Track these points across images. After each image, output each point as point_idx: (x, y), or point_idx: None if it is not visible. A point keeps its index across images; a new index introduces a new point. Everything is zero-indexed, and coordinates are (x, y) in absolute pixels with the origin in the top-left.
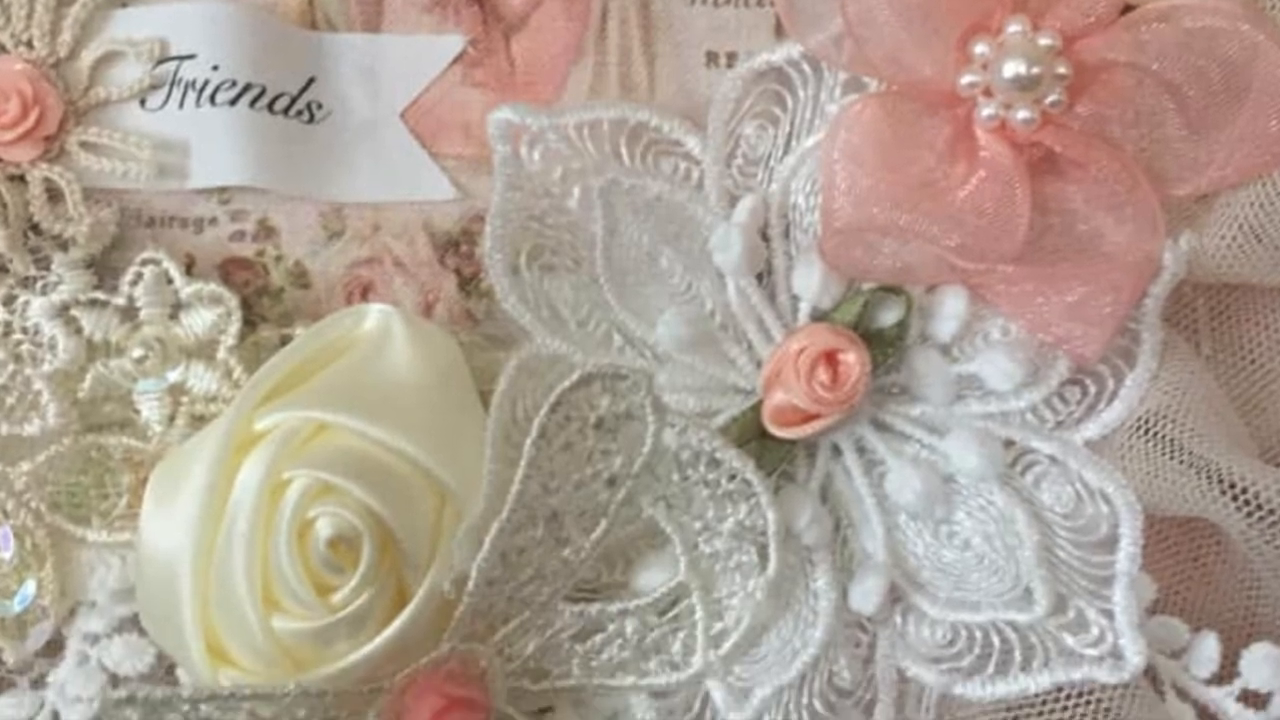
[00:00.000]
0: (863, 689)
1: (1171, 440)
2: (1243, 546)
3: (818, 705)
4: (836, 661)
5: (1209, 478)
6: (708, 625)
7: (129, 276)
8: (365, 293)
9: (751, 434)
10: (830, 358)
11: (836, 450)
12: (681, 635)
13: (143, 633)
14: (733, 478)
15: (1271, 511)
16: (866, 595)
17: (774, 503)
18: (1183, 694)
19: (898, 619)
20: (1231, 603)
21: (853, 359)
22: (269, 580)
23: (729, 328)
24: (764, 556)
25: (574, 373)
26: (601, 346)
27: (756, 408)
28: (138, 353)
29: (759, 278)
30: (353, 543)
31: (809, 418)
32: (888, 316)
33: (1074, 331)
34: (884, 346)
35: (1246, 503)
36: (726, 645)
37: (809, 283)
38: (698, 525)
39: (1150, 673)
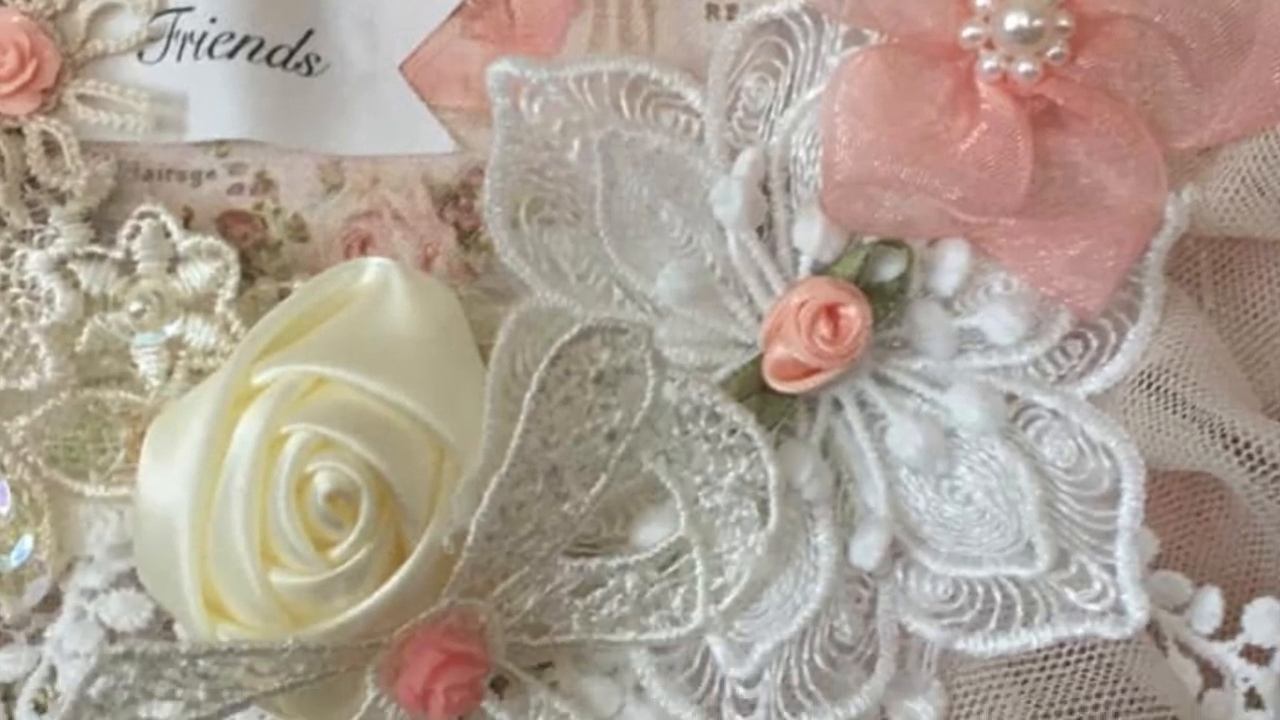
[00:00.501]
0: (864, 644)
1: (1174, 394)
2: (1245, 501)
3: (819, 660)
4: (838, 617)
5: (1212, 432)
6: (708, 580)
7: (126, 230)
8: (364, 246)
9: (752, 388)
10: (831, 311)
11: (837, 405)
12: (682, 590)
13: (140, 588)
14: (733, 432)
15: (1275, 466)
16: (868, 550)
17: (774, 457)
18: (1185, 649)
19: (899, 574)
20: (1234, 558)
21: (854, 313)
22: (267, 535)
23: (729, 281)
24: (764, 511)
25: (574, 326)
26: (601, 300)
27: (757, 362)
28: (135, 306)
29: (759, 231)
30: (351, 497)
31: (810, 372)
32: (889, 270)
33: (1076, 285)
34: (885, 300)
35: (1249, 457)
36: (727, 600)
37: (810, 236)
38: (698, 480)
39: (1153, 628)
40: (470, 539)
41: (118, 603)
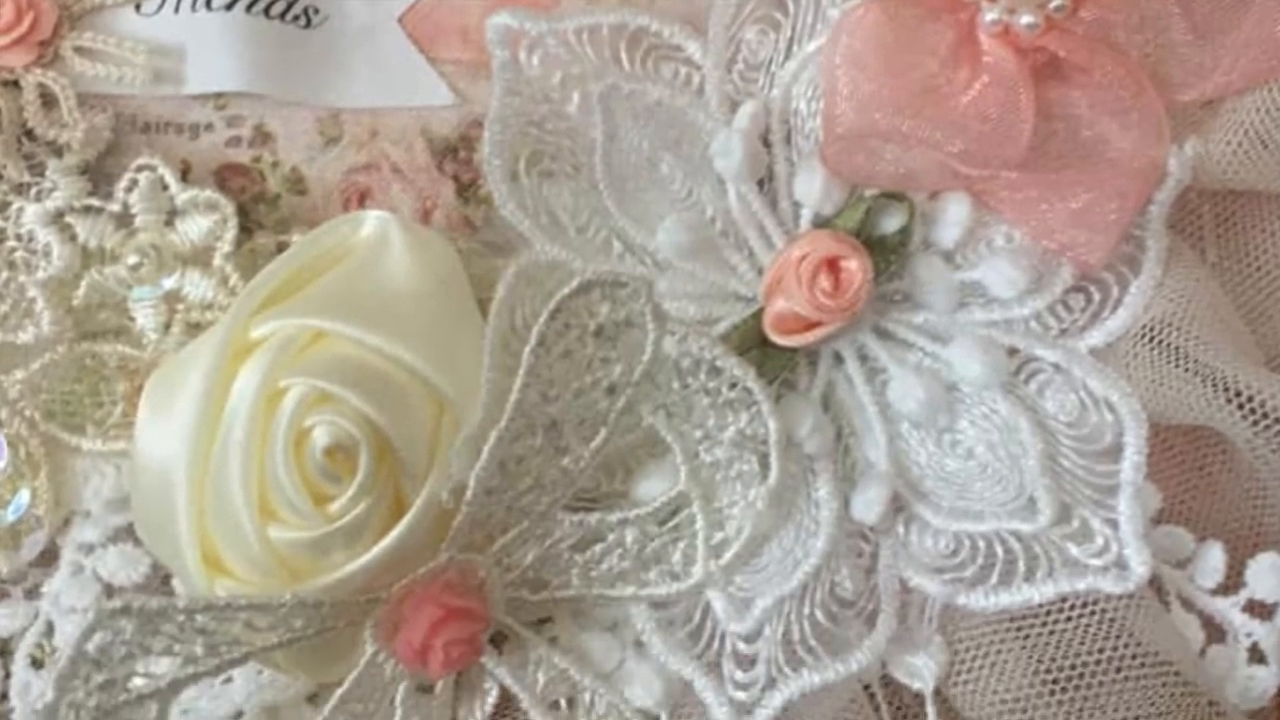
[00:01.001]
0: (865, 599)
1: (1176, 348)
2: (1248, 455)
3: (819, 615)
4: (838, 572)
5: (1214, 386)
6: (708, 535)
7: (124, 183)
8: (362, 199)
9: (752, 342)
10: (832, 264)
11: (838, 358)
12: (682, 545)
13: (138, 542)
14: (733, 386)
15: (1278, 420)
16: (869, 505)
17: (775, 411)
18: (1188, 604)
19: (900, 529)
20: (1237, 512)
21: (855, 266)
22: (265, 489)
23: (730, 234)
24: (765, 465)
25: (573, 280)
26: (601, 253)
27: (758, 315)
28: (133, 260)
29: (760, 184)
30: (350, 451)
31: (811, 325)
32: (890, 223)
33: (1078, 238)
34: (886, 253)
35: (1252, 411)
36: (727, 555)
37: (811, 189)
38: (698, 434)
39: (1155, 583)
40: (469, 493)
41: (115, 557)
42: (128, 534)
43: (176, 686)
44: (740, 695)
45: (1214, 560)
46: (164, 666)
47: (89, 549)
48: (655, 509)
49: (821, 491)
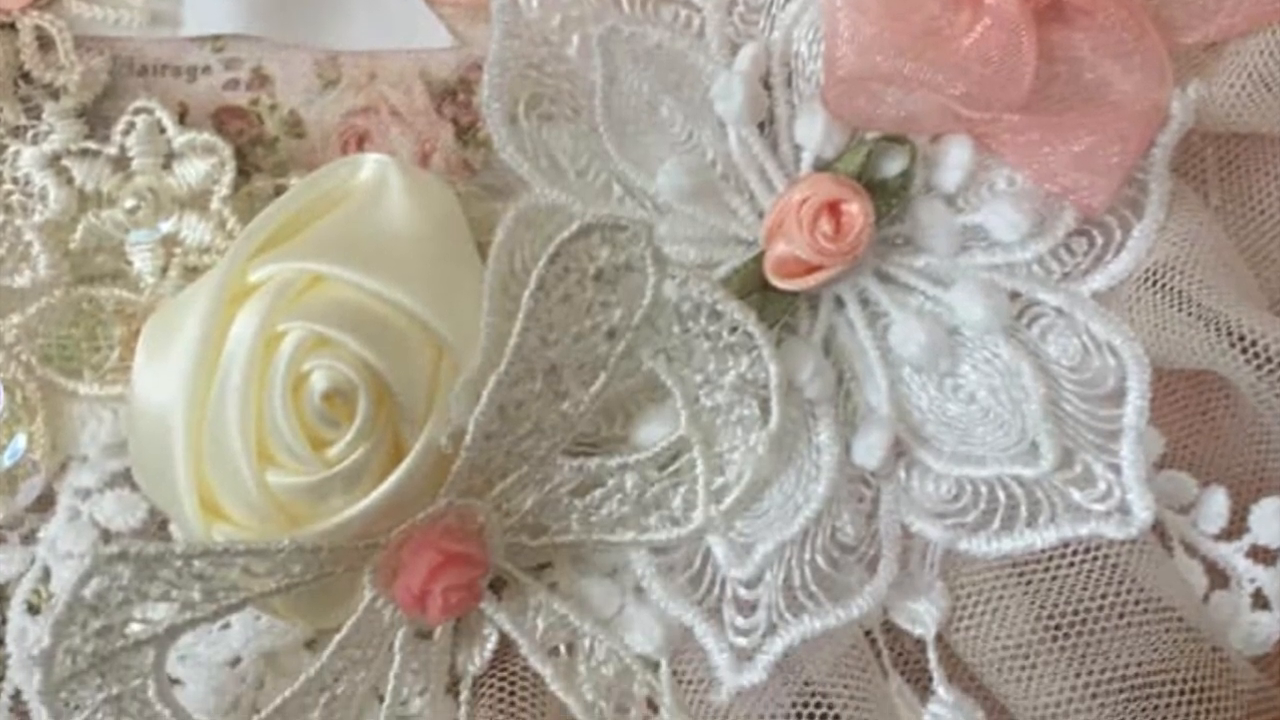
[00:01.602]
0: (866, 545)
1: (1179, 292)
2: (1252, 400)
3: (820, 561)
4: (840, 517)
5: (1218, 330)
6: (709, 480)
7: (121, 126)
8: (361, 142)
9: (753, 286)
10: (833, 208)
11: (839, 302)
12: (682, 490)
13: (135, 487)
14: (734, 330)
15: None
16: (870, 449)
17: (776, 355)
18: (1191, 550)
19: (902, 474)
20: (1240, 457)
21: (856, 209)
22: (263, 434)
23: (730, 178)
24: (766, 410)
25: (573, 223)
26: (601, 197)
27: (758, 259)
28: (130, 203)
29: (761, 127)
30: (348, 396)
31: (812, 269)
32: (892, 166)
33: (1081, 181)
34: (888, 197)
35: (1255, 355)
36: (728, 500)
37: (812, 132)
38: (698, 378)
39: (1158, 528)
40: (468, 438)
41: (112, 502)
42: (125, 479)
43: (174, 632)
44: (741, 641)
45: (1217, 505)
46: (161, 612)
47: (86, 494)
48: (655, 454)
49: (822, 436)
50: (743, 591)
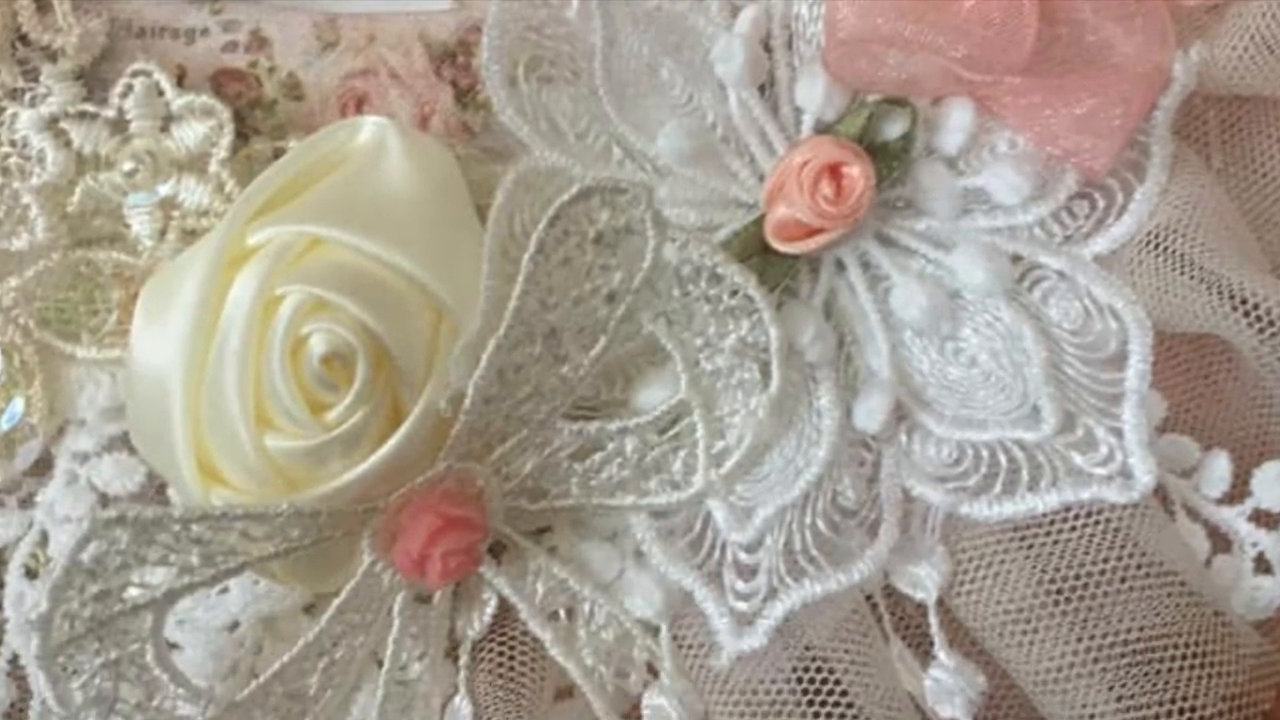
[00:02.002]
0: (867, 509)
1: (1181, 255)
2: (1254, 363)
3: (821, 525)
4: (840, 481)
5: (1220, 293)
6: (709, 444)
7: (119, 88)
8: (360, 105)
9: (754, 249)
10: (834, 171)
11: (840, 265)
12: (682, 454)
13: (133, 451)
14: (734, 293)
15: None
16: (871, 413)
17: (776, 319)
18: (1193, 514)
19: (903, 437)
20: (1243, 421)
21: (857, 172)
22: (262, 398)
23: (731, 140)
24: (766, 374)
25: (573, 186)
26: (601, 159)
27: (759, 222)
28: (128, 166)
29: (761, 90)
30: (347, 360)
31: (812, 232)
32: (893, 129)
33: (1082, 144)
34: (889, 160)
35: (1258, 318)
36: (728, 464)
37: (812, 95)
38: (699, 342)
39: (1160, 492)
40: (468, 402)
41: (110, 466)
42: (123, 443)
43: (172, 597)
44: (741, 606)
45: (1219, 469)
46: (159, 577)
47: (84, 458)
48: (655, 417)
49: (823, 400)
50: (743, 556)
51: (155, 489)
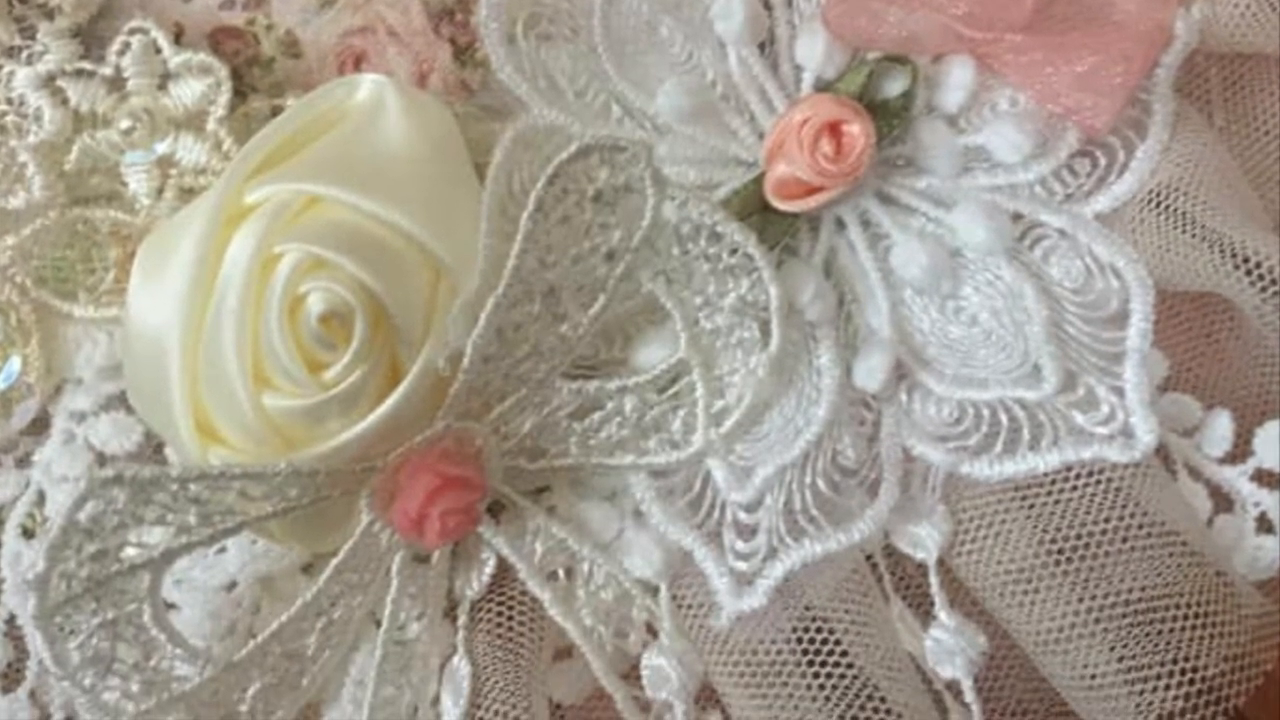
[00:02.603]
0: (867, 468)
1: (1183, 213)
2: (1256, 321)
3: (821, 484)
4: (840, 440)
5: (1222, 251)
6: (709, 403)
7: (116, 46)
8: (358, 63)
9: (753, 207)
10: (834, 129)
11: (840, 224)
12: (682, 413)
13: (130, 410)
14: (734, 252)
15: None
16: (871, 372)
17: (776, 277)
18: (1195, 473)
19: (903, 396)
20: (1245, 380)
21: (857, 130)
22: (259, 357)
23: (730, 98)
24: (766, 332)
25: (572, 144)
26: (600, 117)
27: (759, 180)
28: (125, 124)
29: (761, 48)
30: (345, 318)
31: (812, 190)
32: (893, 87)
33: (1084, 102)
34: (889, 118)
35: (1260, 277)
36: (728, 423)
37: (813, 52)
38: (698, 300)
39: (1162, 452)
40: (466, 361)
41: (107, 426)
42: (120, 402)
43: (169, 556)
44: (741, 565)
45: (1221, 428)
46: (157, 536)
47: (81, 417)
48: (655, 376)
49: (823, 359)
50: (743, 515)
51: (153, 448)
